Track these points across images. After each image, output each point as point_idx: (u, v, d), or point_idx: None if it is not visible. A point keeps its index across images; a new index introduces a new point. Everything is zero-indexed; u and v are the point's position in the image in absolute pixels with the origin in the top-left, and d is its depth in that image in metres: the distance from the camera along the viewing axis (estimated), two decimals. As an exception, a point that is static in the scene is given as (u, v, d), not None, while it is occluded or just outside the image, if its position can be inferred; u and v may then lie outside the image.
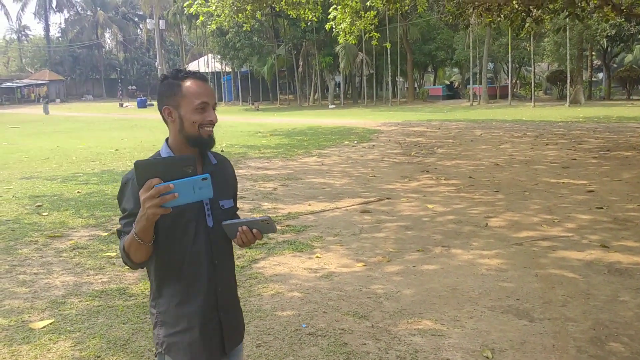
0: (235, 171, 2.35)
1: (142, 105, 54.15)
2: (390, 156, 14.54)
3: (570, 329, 4.11)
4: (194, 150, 2.08)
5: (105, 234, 7.14)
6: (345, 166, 12.98)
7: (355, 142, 18.28)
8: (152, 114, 38.45)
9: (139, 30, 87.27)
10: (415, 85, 57.42)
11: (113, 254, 6.22)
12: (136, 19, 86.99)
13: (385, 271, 5.54)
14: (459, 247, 6.31)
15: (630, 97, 46.90)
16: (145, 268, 2.13)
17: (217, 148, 2.19)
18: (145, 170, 1.81)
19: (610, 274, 5.24)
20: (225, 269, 2.18)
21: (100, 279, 5.49)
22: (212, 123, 2.07)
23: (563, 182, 10.03)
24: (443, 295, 4.86)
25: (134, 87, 79.28)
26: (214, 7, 17.09)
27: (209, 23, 19.32)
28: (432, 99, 51.70)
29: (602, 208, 7.94)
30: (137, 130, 25.70)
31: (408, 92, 53.82)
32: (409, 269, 5.58)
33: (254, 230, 2.06)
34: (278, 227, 6.92)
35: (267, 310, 4.62)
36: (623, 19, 36.25)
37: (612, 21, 26.54)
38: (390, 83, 50.78)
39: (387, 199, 9.08)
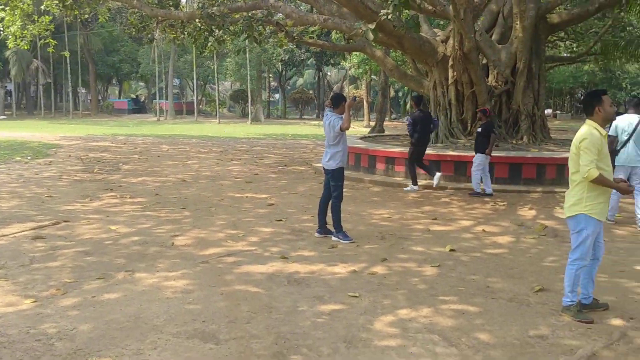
0: None
1: None
2: (70, 173, 13.37)
3: (254, 346, 4.13)
4: None
5: None
6: (16, 185, 11.47)
7: (29, 157, 16.40)
8: None
9: None
10: (100, 98, 54.83)
11: None
12: None
13: (59, 306, 4.90)
14: (144, 270, 5.97)
15: (303, 117, 52.25)
16: None
17: None
18: None
19: (290, 285, 5.50)
20: None
21: None
22: None
23: (247, 197, 10.45)
24: (125, 326, 4.47)
25: None
26: None
27: None
28: (118, 113, 50.05)
29: (281, 220, 8.45)
30: None
31: (91, 105, 51.12)
32: (87, 301, 5.03)
33: None
34: None
35: None
36: (295, 46, 40.23)
37: (285, 47, 29.18)
38: (71, 94, 47.42)
39: (65, 221, 8.21)
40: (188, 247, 6.91)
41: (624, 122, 8.06)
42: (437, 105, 14.74)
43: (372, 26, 8.64)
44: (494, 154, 10.87)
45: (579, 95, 60.49)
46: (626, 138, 7.97)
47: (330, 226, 7.43)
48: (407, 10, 13.48)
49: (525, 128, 14.23)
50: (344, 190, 7.61)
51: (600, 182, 4.52)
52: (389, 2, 8.07)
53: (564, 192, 11.33)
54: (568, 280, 4.74)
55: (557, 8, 15.78)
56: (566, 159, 11.39)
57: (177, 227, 8.00)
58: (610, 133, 7.85)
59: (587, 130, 4.60)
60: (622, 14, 18.42)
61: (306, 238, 7.42)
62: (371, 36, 8.70)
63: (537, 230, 8.02)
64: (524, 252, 6.91)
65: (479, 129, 10.86)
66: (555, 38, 22.76)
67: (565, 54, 26.05)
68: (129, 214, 8.87)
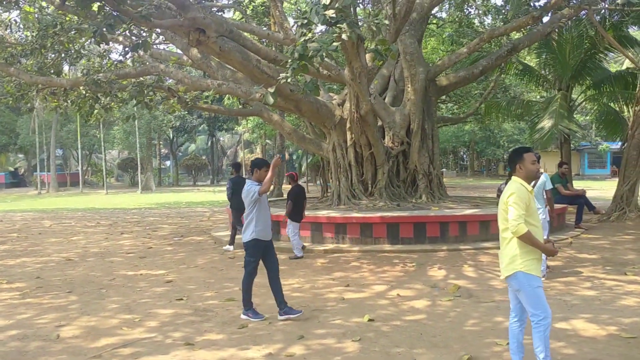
0: None
1: None
2: None
3: None
4: None
5: None
6: None
7: None
8: None
9: None
10: (-28, 172, 50.88)
11: None
12: None
13: None
14: (23, 373, 5.05)
15: (196, 183, 51.11)
16: None
17: None
18: None
19: (199, 378, 4.82)
20: None
21: None
22: None
23: (141, 274, 9.56)
24: None
25: None
26: None
27: None
28: (-7, 187, 46.50)
29: (182, 299, 7.68)
30: None
31: (-38, 180, 47.14)
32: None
33: None
34: None
35: None
36: (187, 112, 39.61)
37: (177, 113, 28.52)
38: (-62, 169, 43.56)
39: None
40: (76, 339, 6.01)
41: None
42: (338, 167, 14.66)
43: (272, 90, 8.36)
44: (401, 213, 10.79)
45: (462, 153, 64.11)
46: None
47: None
48: (302, 76, 13.49)
49: (423, 187, 14.43)
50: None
51: (527, 239, 4.35)
52: (288, 66, 7.85)
53: (469, 249, 11.38)
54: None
55: (445, 72, 16.49)
56: (468, 216, 11.64)
57: (63, 315, 7.03)
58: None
59: (514, 185, 4.48)
60: (502, 75, 19.70)
61: (212, 318, 6.73)
62: (271, 100, 8.38)
63: (451, 291, 7.84)
64: (442, 316, 6.64)
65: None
66: (438, 101, 23.96)
67: (447, 115, 27.51)
68: (6, 303, 7.75)
